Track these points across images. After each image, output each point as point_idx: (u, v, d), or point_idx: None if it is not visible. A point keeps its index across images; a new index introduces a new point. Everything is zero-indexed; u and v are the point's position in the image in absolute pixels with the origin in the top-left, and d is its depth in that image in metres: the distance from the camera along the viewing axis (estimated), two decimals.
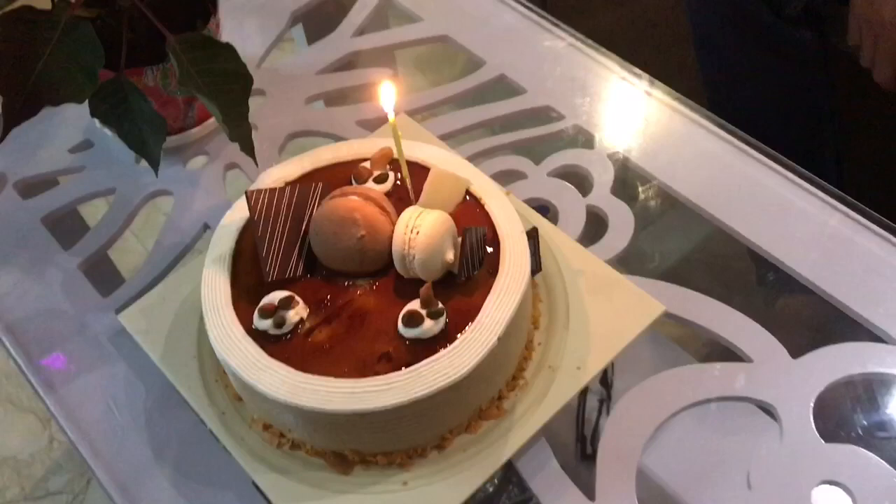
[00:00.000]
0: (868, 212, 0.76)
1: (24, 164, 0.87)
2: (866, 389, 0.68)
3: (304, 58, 0.94)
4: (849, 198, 0.77)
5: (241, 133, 0.68)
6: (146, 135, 0.72)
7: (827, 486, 0.61)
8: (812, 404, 0.64)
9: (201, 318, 0.69)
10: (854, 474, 0.61)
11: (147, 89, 0.75)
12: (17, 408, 1.36)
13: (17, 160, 0.87)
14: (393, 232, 0.60)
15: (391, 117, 0.61)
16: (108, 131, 0.84)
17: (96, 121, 0.84)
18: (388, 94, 0.61)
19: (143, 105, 0.70)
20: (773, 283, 0.96)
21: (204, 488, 0.65)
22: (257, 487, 0.63)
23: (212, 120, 0.85)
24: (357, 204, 0.60)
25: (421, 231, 0.59)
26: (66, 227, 0.86)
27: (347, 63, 0.95)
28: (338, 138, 0.86)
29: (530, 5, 0.96)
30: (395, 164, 0.68)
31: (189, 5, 0.79)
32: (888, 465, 0.61)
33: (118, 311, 0.73)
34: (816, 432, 0.63)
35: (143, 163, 0.84)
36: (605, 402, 0.85)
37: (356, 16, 0.97)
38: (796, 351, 0.68)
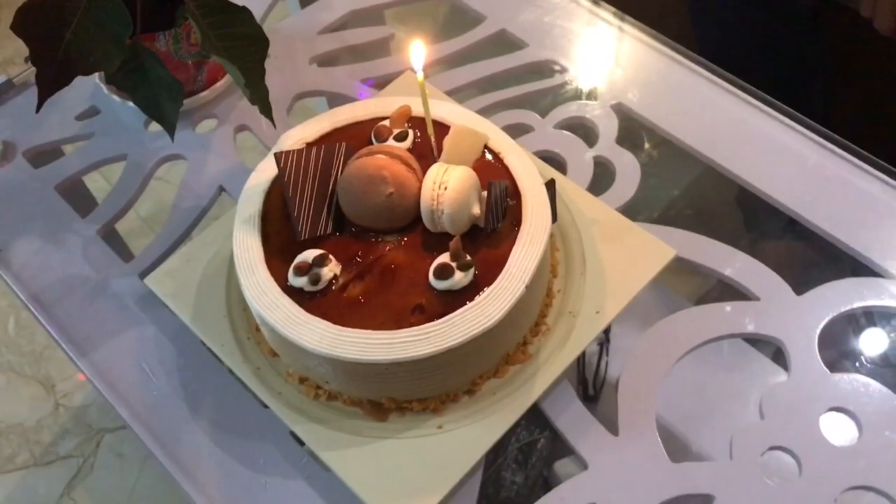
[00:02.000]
0: (860, 151, 0.79)
1: (31, 133, 0.87)
2: (868, 321, 0.72)
3: (304, 18, 0.95)
4: (842, 139, 0.80)
5: (260, 95, 0.69)
6: (162, 100, 0.73)
7: (834, 412, 0.66)
8: (817, 337, 0.68)
9: (229, 278, 0.71)
10: (858, 401, 0.65)
11: (158, 54, 0.76)
12: (19, 376, 1.37)
13: (24, 129, 0.87)
14: (420, 188, 0.62)
15: (420, 76, 0.62)
16: (115, 97, 0.84)
17: (103, 87, 0.85)
18: (417, 53, 0.62)
19: (159, 70, 0.71)
20: (760, 228, 1.00)
21: (242, 441, 0.67)
22: (295, 438, 0.66)
23: (220, 83, 0.86)
24: (384, 162, 0.62)
25: (449, 186, 0.61)
26: (77, 194, 0.87)
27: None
28: (345, 98, 0.87)
29: None
30: (413, 121, 0.69)
31: None
32: (890, 391, 0.66)
33: (142, 275, 0.75)
34: (822, 363, 0.67)
35: (153, 128, 0.85)
36: (605, 345, 0.88)
37: None
38: (799, 288, 0.72)
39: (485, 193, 0.63)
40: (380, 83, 0.88)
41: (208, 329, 0.69)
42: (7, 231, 0.80)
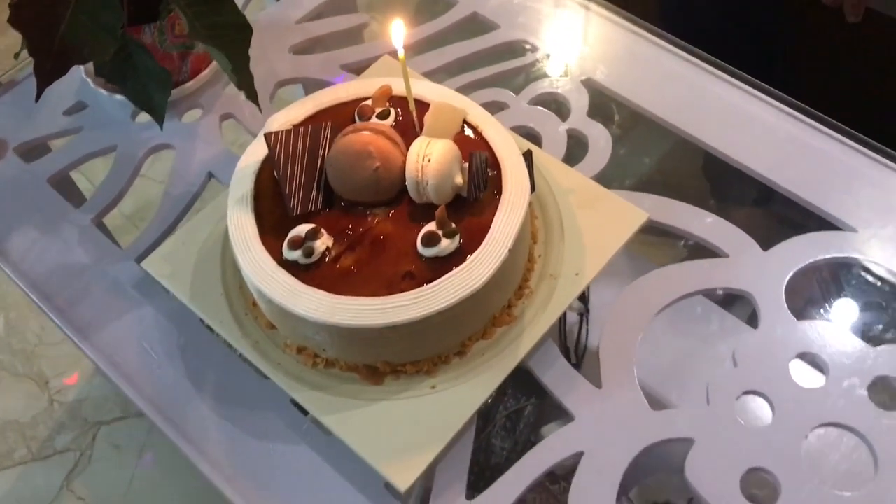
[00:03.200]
0: (822, 116, 0.83)
1: (21, 129, 0.89)
2: (831, 272, 0.76)
3: (280, 9, 0.98)
4: (804, 105, 0.84)
5: (246, 81, 0.72)
6: (151, 90, 0.75)
7: (802, 358, 0.70)
8: (784, 288, 0.72)
9: (224, 258, 0.74)
10: (824, 344, 0.70)
11: (145, 46, 0.78)
12: (11, 374, 1.39)
13: (14, 125, 0.89)
14: (404, 161, 0.66)
15: (401, 54, 0.66)
16: (102, 91, 0.86)
17: (90, 81, 0.87)
18: (398, 31, 0.66)
19: (148, 61, 0.73)
20: (727, 193, 1.04)
21: (245, 412, 0.70)
22: (296, 405, 0.69)
23: (204, 73, 0.88)
24: (370, 138, 0.66)
25: (432, 158, 0.64)
26: (69, 186, 0.89)
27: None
28: (323, 85, 0.90)
29: None
30: (394, 100, 0.73)
31: None
32: (853, 335, 0.70)
33: (139, 259, 0.77)
34: (790, 312, 0.71)
35: (140, 119, 0.88)
36: (585, 315, 0.92)
37: None
38: (766, 246, 0.76)
39: (466, 165, 0.66)
40: (356, 70, 0.91)
41: (207, 307, 0.72)
42: (4, 224, 0.83)
